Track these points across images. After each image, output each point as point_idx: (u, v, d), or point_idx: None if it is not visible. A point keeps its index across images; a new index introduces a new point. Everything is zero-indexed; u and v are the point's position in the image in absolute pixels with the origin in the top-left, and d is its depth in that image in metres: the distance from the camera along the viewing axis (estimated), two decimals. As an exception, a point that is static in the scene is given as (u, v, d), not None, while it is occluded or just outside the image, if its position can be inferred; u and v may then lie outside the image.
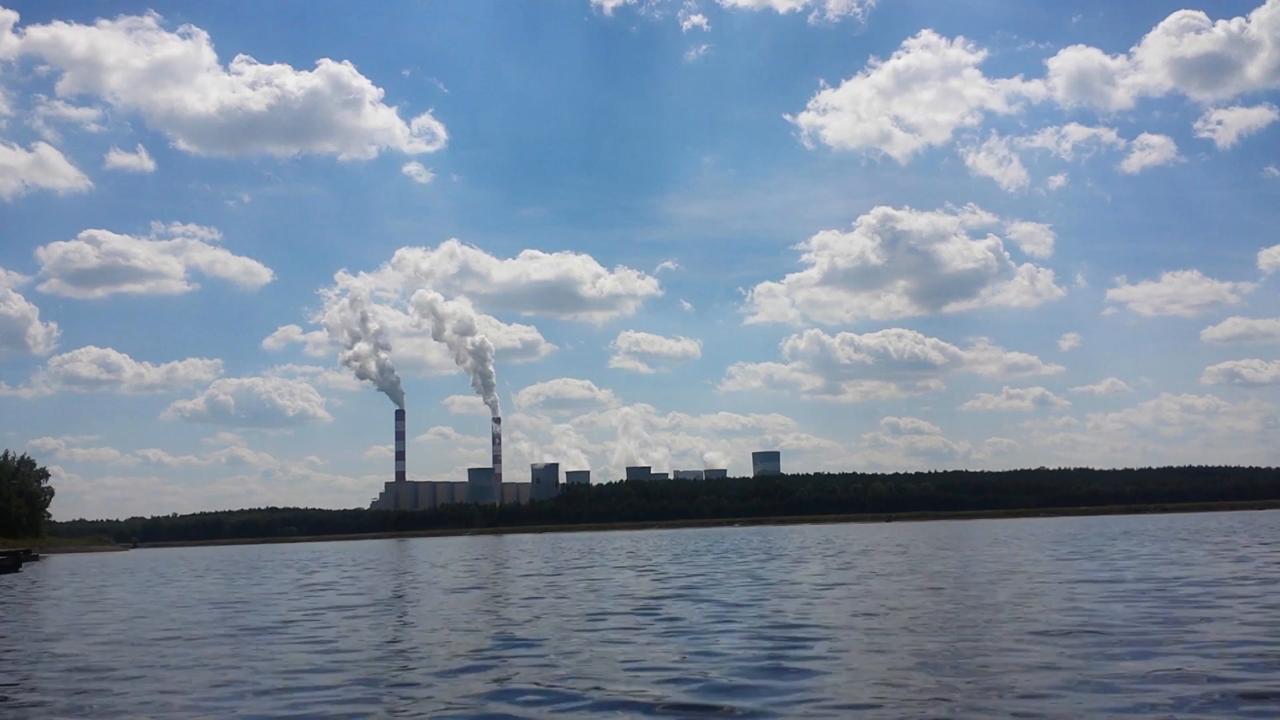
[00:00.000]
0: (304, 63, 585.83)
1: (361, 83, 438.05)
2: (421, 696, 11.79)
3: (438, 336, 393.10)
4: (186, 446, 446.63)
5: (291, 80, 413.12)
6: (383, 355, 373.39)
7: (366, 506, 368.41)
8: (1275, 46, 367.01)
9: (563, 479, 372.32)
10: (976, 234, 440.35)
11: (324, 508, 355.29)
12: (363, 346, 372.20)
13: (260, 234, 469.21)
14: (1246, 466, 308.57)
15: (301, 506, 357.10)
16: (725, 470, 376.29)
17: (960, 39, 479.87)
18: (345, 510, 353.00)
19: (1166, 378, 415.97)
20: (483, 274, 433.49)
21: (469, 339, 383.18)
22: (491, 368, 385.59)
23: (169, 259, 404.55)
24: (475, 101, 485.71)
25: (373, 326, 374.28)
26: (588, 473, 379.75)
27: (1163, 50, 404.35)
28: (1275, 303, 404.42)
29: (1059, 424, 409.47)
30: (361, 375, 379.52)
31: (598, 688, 11.82)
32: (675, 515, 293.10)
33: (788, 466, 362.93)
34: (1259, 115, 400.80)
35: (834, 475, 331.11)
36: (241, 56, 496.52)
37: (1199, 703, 10.03)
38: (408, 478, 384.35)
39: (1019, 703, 10.19)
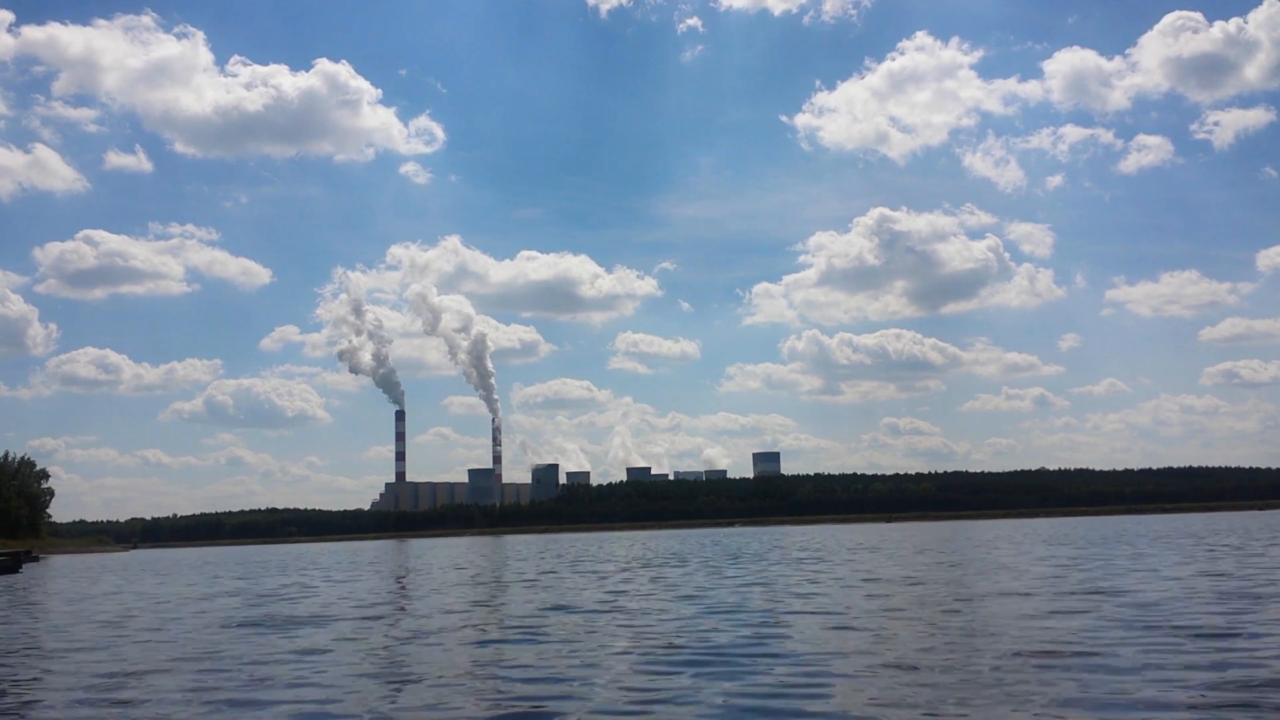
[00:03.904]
0: (301, 63, 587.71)
1: (359, 83, 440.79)
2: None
3: (432, 331, 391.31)
4: (186, 447, 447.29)
5: (288, 81, 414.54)
6: (377, 348, 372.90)
7: (366, 507, 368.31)
8: (1273, 47, 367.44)
9: (563, 479, 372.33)
10: (975, 234, 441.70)
11: (324, 508, 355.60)
12: (358, 339, 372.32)
13: (258, 235, 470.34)
14: (1246, 467, 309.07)
15: (301, 507, 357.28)
16: (725, 471, 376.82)
17: (955, 40, 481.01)
18: (345, 511, 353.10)
19: (1165, 378, 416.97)
20: (481, 274, 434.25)
21: (463, 335, 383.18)
22: (490, 364, 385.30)
23: (167, 259, 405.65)
24: (473, 102, 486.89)
25: (369, 317, 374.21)
26: (588, 473, 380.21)
27: (1159, 51, 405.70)
28: (1273, 303, 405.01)
29: (1058, 424, 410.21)
30: (355, 370, 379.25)
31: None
32: (675, 516, 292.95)
33: (787, 467, 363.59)
34: (1256, 116, 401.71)
35: (834, 476, 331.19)
36: (237, 57, 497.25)
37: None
38: (408, 478, 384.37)
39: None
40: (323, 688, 12.91)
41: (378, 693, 12.50)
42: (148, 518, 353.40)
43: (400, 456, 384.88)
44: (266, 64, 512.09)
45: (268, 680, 13.64)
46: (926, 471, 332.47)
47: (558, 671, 13.51)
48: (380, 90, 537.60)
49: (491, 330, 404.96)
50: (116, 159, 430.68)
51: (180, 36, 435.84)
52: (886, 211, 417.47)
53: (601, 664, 14.05)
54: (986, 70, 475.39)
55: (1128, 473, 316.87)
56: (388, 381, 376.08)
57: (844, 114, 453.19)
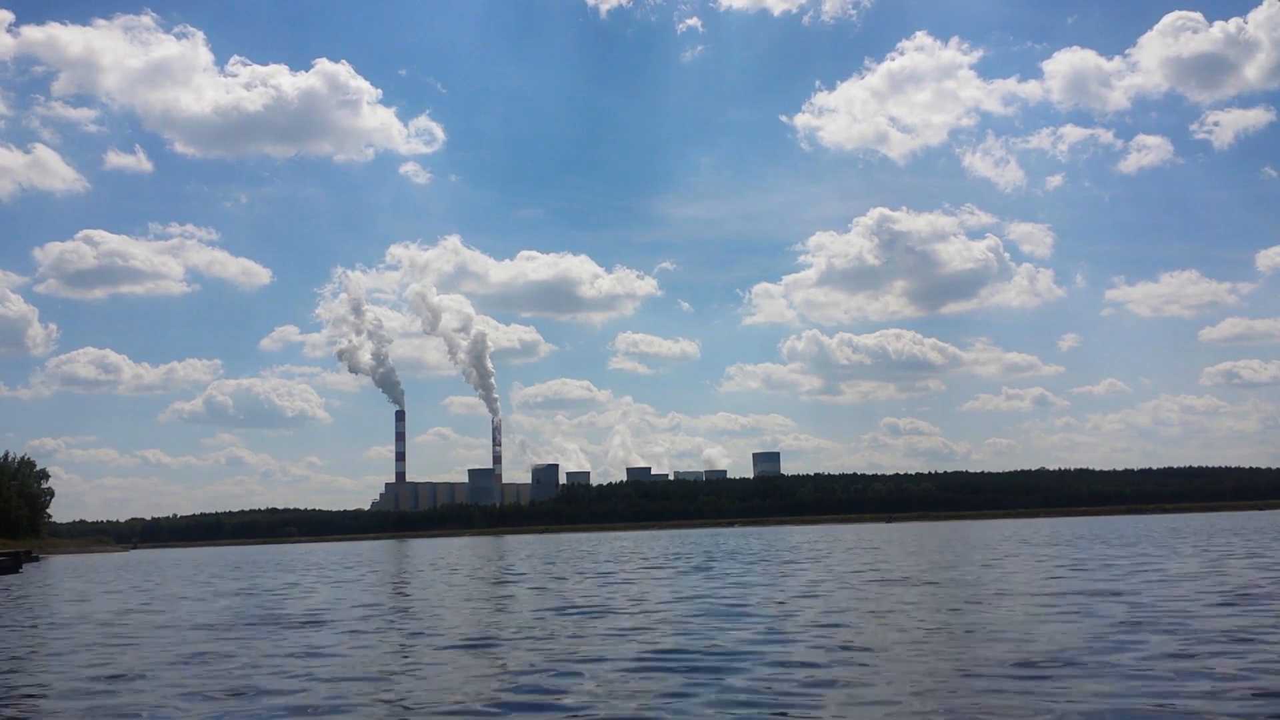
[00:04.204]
0: (301, 63, 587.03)
1: (359, 83, 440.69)
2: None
3: (432, 330, 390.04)
4: (186, 447, 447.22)
5: (287, 81, 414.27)
6: (377, 347, 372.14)
7: (366, 507, 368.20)
8: (1273, 47, 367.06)
9: (563, 479, 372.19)
10: (975, 234, 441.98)
11: (324, 508, 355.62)
12: (357, 339, 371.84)
13: (258, 235, 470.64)
14: (1246, 467, 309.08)
15: (301, 507, 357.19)
16: (725, 471, 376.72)
17: (955, 40, 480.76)
18: (345, 511, 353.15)
19: (1165, 378, 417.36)
20: (481, 274, 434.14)
21: (463, 334, 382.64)
22: (489, 363, 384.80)
23: (167, 259, 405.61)
24: (473, 102, 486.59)
25: (368, 317, 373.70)
26: (588, 473, 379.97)
27: (1159, 51, 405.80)
28: (1273, 303, 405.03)
29: (1058, 424, 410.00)
30: (354, 369, 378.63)
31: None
32: (675, 516, 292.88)
33: (788, 467, 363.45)
34: (1256, 116, 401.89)
35: (834, 476, 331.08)
36: (237, 57, 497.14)
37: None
38: (408, 478, 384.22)
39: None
40: (314, 689, 12.88)
41: (369, 694, 12.47)
42: (148, 518, 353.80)
43: (400, 456, 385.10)
44: (266, 64, 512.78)
45: (260, 681, 13.61)
46: (926, 471, 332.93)
47: (545, 675, 13.47)
48: (380, 90, 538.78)
49: (491, 330, 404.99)
50: (116, 159, 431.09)
51: (180, 36, 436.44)
52: (886, 211, 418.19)
53: (592, 666, 14.01)
54: (986, 70, 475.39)
55: (1128, 473, 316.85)
56: (387, 381, 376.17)
57: (844, 114, 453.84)
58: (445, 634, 18.85)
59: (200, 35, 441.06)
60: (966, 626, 17.08)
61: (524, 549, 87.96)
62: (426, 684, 13.23)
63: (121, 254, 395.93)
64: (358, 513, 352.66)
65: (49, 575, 65.14)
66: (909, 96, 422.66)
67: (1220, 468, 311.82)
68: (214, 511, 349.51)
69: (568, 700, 11.71)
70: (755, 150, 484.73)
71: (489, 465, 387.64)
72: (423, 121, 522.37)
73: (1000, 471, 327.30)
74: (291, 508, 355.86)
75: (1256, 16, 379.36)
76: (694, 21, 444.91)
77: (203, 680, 14.17)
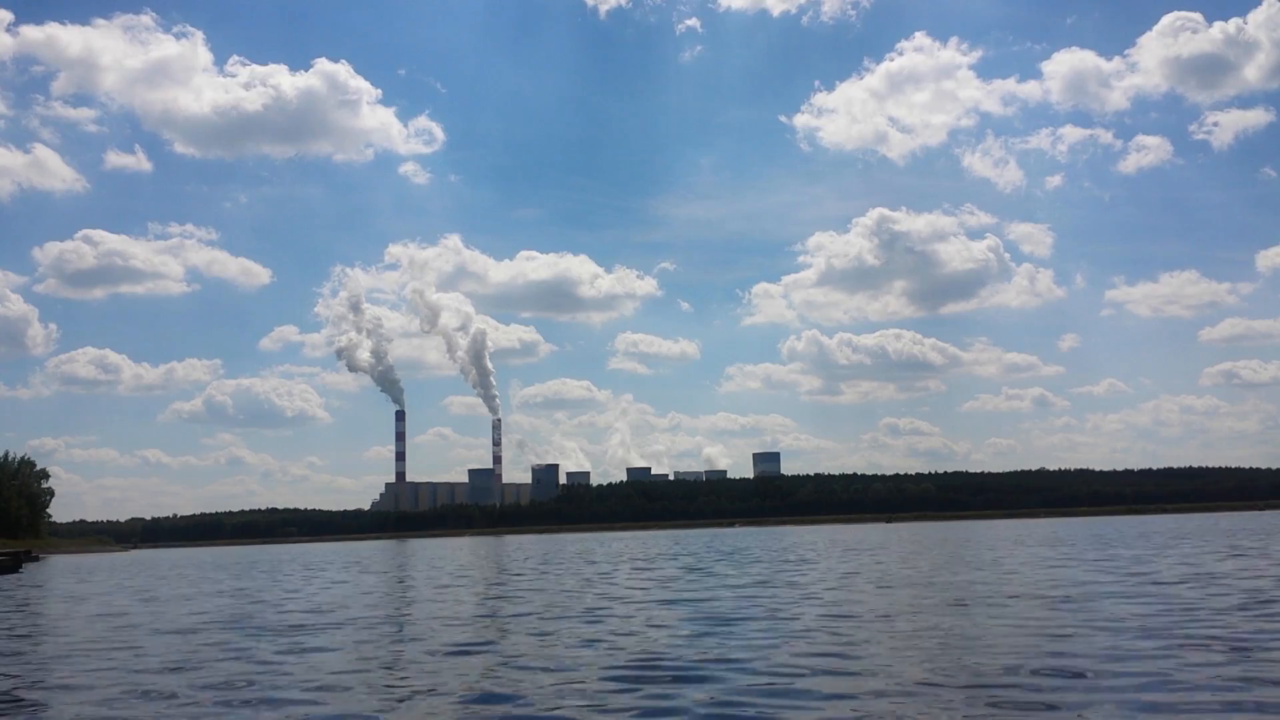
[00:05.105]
0: (300, 63, 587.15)
1: (359, 83, 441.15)
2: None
3: (431, 328, 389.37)
4: (185, 447, 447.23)
5: (287, 81, 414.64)
6: (376, 345, 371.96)
7: (366, 507, 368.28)
8: (1273, 47, 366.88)
9: (563, 479, 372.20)
10: (975, 234, 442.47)
11: (324, 508, 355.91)
12: (356, 336, 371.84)
13: (258, 235, 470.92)
14: (1246, 467, 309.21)
15: (301, 507, 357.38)
16: (725, 471, 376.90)
17: (954, 40, 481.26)
18: (345, 511, 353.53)
19: (1165, 379, 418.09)
20: (480, 274, 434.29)
21: (462, 333, 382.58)
22: (489, 362, 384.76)
23: (167, 259, 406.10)
24: (472, 102, 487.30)
25: (367, 315, 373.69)
26: (588, 473, 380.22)
27: (1159, 52, 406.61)
28: (1273, 303, 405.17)
29: (1058, 424, 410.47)
30: (353, 367, 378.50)
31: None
32: (675, 516, 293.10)
33: (788, 467, 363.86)
34: (1256, 117, 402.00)
35: (834, 476, 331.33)
36: (236, 57, 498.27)
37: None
38: (408, 478, 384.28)
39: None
40: (302, 689, 12.90)
41: (354, 696, 12.48)
42: (148, 518, 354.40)
43: (400, 456, 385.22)
44: (265, 64, 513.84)
45: (248, 682, 13.63)
46: (926, 471, 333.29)
47: (532, 679, 13.49)
48: (380, 90, 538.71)
49: (491, 330, 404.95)
50: (116, 159, 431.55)
51: (179, 36, 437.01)
52: (886, 212, 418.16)
53: (581, 671, 14.02)
54: (985, 71, 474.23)
55: (1128, 473, 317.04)
56: (386, 379, 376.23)
57: (843, 114, 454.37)
58: (428, 638, 18.87)
59: (199, 35, 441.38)
60: (969, 628, 17.10)
61: (523, 550, 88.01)
62: (400, 689, 13.25)
63: (121, 254, 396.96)
64: (358, 513, 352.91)
65: (49, 575, 65.19)
66: (908, 97, 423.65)
67: (1220, 468, 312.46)
68: (214, 511, 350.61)
69: (550, 707, 11.72)
70: (755, 150, 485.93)
71: (489, 465, 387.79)
72: (422, 121, 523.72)
73: (1000, 471, 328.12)
74: (291, 508, 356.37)
75: (1256, 17, 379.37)
76: (693, 22, 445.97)
77: (189, 683, 14.19)
